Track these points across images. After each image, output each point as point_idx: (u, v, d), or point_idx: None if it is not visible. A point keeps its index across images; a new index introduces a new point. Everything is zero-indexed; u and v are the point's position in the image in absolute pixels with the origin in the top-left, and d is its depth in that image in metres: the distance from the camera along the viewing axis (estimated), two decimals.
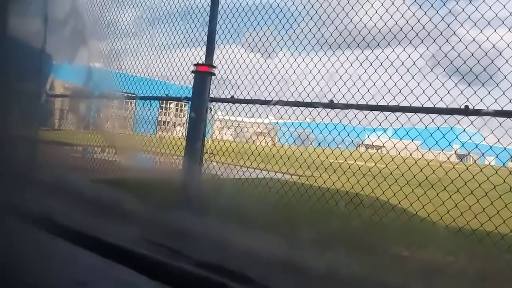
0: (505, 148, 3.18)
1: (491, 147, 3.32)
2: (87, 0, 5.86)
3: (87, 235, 1.06)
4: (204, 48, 4.61)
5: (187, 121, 4.93)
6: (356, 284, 1.01)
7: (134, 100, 6.49)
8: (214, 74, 4.49)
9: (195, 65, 4.49)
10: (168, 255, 0.96)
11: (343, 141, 4.12)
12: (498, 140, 3.10)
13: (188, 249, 1.00)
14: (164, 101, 7.33)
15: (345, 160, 3.98)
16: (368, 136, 4.86)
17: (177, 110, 8.19)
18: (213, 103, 4.63)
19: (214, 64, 4.54)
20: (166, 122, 7.91)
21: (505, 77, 2.99)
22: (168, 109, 7.98)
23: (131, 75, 5.91)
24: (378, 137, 4.04)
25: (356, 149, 4.44)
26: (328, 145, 4.20)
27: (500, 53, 3.04)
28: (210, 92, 4.43)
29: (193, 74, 4.47)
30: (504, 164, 3.38)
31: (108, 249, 0.99)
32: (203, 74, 4.38)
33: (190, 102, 4.64)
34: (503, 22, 3.07)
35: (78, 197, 1.53)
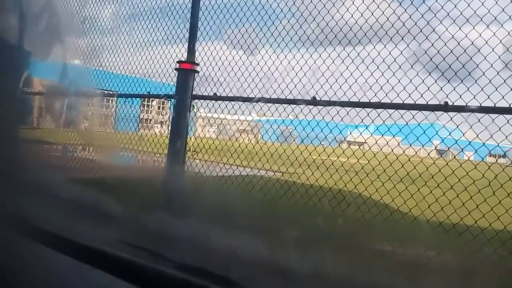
0: (483, 144, 3.24)
1: (470, 143, 3.38)
2: None
3: (64, 237, 1.02)
4: (186, 45, 4.56)
5: (170, 118, 4.88)
6: (341, 285, 1.01)
7: (115, 98, 6.40)
8: (197, 72, 4.45)
9: (178, 62, 4.44)
10: (148, 258, 0.94)
11: (325, 137, 4.13)
12: (477, 136, 3.15)
13: (170, 251, 0.97)
14: (146, 99, 7.24)
15: (328, 157, 4.00)
16: (351, 133, 4.89)
17: (159, 107, 8.11)
18: (196, 100, 4.59)
19: (196, 61, 4.50)
20: (148, 120, 7.82)
21: (484, 74, 3.04)
22: (150, 107, 7.89)
23: (111, 73, 5.82)
24: (360, 134, 4.08)
25: (339, 145, 4.46)
26: (311, 142, 4.21)
27: (479, 50, 3.09)
28: (193, 90, 4.40)
29: (176, 72, 4.43)
30: (483, 159, 3.44)
31: (86, 252, 0.96)
32: (186, 71, 4.34)
33: (171, 99, 4.60)
34: (481, 19, 3.11)
35: (56, 197, 1.48)
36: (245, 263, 1.01)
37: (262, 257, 1.05)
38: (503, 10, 2.98)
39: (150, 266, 0.91)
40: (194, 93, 4.42)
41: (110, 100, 7.03)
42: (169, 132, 4.49)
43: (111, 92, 5.96)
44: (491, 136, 3.05)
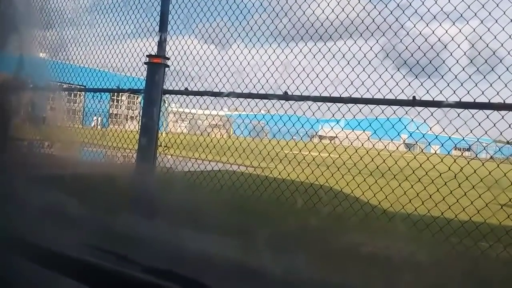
0: (449, 137, 3.33)
1: (436, 137, 3.46)
2: None
3: (23, 241, 0.97)
4: (157, 39, 4.47)
5: (140, 114, 4.79)
6: (313, 283, 1.00)
7: (83, 92, 6.22)
8: (168, 66, 4.37)
9: (148, 56, 4.35)
10: (114, 261, 0.91)
11: (297, 132, 4.16)
12: (443, 130, 3.24)
13: (136, 254, 0.94)
14: (116, 94, 7.08)
15: (300, 151, 4.03)
16: (322, 127, 4.93)
17: (129, 102, 7.95)
18: (167, 95, 4.52)
19: (167, 56, 4.42)
20: (118, 115, 7.64)
21: (449, 69, 3.12)
22: (120, 102, 7.72)
23: (79, 66, 5.65)
24: (331, 128, 4.11)
25: (310, 140, 4.49)
26: (283, 137, 4.23)
27: (445, 46, 3.17)
28: (163, 84, 4.32)
29: (146, 66, 4.33)
30: (449, 153, 3.54)
31: (47, 256, 0.91)
32: (156, 65, 4.26)
33: (143, 94, 4.50)
34: (448, 16, 3.19)
35: (16, 197, 1.41)
36: (216, 264, 0.99)
37: (234, 258, 1.04)
38: (468, 7, 3.06)
39: (115, 269, 0.88)
40: (164, 87, 4.35)
41: (78, 95, 6.83)
42: (139, 127, 4.40)
43: (78, 86, 5.79)
44: (457, 130, 3.13)
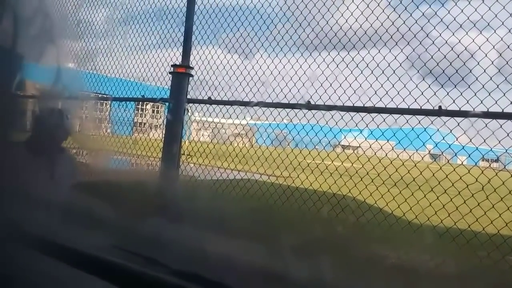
0: (477, 148, 3.25)
1: (463, 147, 3.39)
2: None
3: (57, 243, 1.01)
4: (181, 49, 4.56)
5: (164, 122, 4.88)
6: None
7: (110, 102, 6.36)
8: (191, 75, 4.44)
9: (172, 66, 4.43)
10: (143, 263, 0.93)
11: (320, 141, 4.14)
12: (470, 140, 3.17)
13: (164, 257, 0.97)
14: (140, 103, 7.22)
15: (322, 161, 4.01)
16: (345, 137, 4.90)
17: (153, 111, 8.08)
18: (190, 104, 4.59)
19: (191, 65, 4.50)
20: (143, 124, 7.78)
21: (477, 79, 3.07)
22: (144, 111, 7.87)
23: (106, 76, 5.80)
24: (355, 138, 4.09)
25: (333, 149, 4.47)
26: (306, 146, 4.22)
27: (472, 56, 3.12)
28: (187, 93, 4.39)
29: (170, 75, 4.41)
30: (476, 164, 3.46)
31: (79, 258, 0.95)
32: (180, 75, 4.33)
33: (166, 103, 4.59)
34: (474, 25, 3.15)
35: (49, 202, 1.47)
36: (240, 269, 1.00)
37: (258, 264, 1.05)
38: (495, 16, 3.01)
39: (144, 271, 0.90)
40: (188, 97, 4.41)
41: (104, 104, 6.99)
42: (163, 136, 4.47)
43: (105, 96, 5.93)
44: (484, 141, 3.06)
